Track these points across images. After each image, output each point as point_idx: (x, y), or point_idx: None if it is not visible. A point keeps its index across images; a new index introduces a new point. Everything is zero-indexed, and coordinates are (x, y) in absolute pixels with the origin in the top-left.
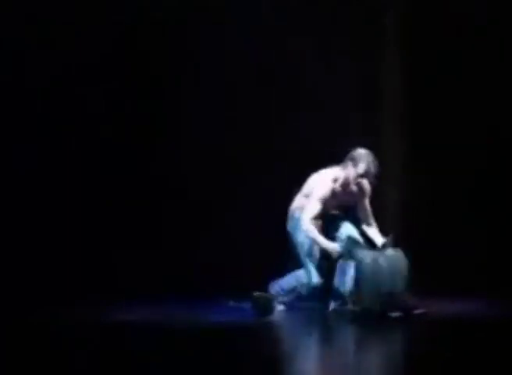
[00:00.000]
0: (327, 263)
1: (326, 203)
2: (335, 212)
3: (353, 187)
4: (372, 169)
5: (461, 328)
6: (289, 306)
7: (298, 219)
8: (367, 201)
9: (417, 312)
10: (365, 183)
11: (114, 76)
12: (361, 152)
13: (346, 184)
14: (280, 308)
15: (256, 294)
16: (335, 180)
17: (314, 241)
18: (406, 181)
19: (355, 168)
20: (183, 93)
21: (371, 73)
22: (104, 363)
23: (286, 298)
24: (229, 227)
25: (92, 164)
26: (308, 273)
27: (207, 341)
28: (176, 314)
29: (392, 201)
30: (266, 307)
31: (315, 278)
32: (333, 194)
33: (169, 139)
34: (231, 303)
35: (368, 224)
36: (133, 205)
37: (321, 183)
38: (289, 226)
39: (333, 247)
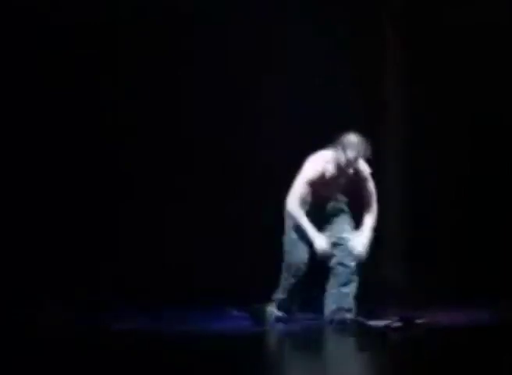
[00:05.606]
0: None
1: (322, 188)
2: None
3: (350, 171)
4: (362, 156)
5: (463, 337)
6: (288, 316)
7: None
8: (370, 185)
9: (418, 321)
10: (363, 166)
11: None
12: (351, 140)
13: (339, 168)
14: (279, 317)
15: (254, 305)
16: (327, 162)
17: (299, 224)
18: (405, 182)
19: (344, 154)
20: (183, 91)
21: (371, 74)
22: (104, 370)
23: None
24: (232, 234)
25: (91, 163)
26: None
27: (207, 349)
28: (176, 322)
29: (393, 207)
30: (264, 317)
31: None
32: (327, 177)
33: (170, 139)
34: (234, 313)
35: (368, 212)
36: (132, 206)
37: (310, 164)
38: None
39: (320, 242)
